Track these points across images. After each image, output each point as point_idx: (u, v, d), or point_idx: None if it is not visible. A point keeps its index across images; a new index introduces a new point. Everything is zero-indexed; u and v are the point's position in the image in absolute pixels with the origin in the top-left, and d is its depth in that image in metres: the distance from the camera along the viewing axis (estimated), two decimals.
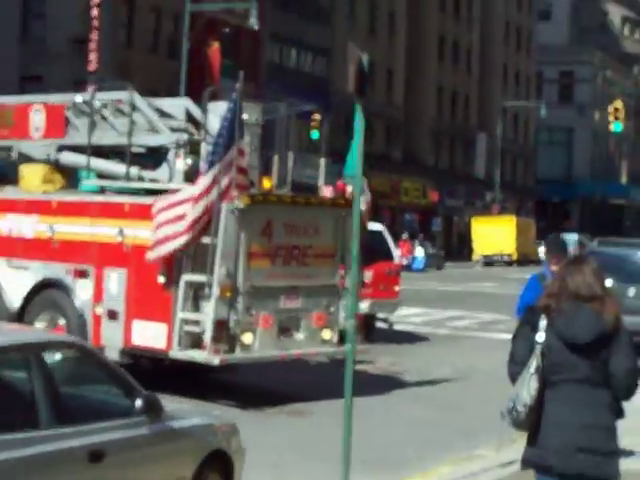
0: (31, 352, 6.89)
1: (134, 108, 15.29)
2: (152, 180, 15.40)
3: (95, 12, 41.46)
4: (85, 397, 7.68)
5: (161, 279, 13.86)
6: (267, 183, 16.10)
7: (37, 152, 16.37)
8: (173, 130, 15.14)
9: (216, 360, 13.74)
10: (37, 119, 16.33)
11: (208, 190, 13.21)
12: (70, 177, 16.68)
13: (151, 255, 13.85)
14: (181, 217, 13.51)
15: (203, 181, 13.38)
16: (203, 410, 9.38)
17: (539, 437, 5.95)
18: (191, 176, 14.70)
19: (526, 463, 6.13)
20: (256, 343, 13.97)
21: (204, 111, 15.12)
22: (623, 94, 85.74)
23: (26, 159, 16.54)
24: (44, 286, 15.44)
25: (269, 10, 53.02)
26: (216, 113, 14.46)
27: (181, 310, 13.70)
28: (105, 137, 16.00)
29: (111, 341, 14.38)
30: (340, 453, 9.24)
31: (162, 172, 15.29)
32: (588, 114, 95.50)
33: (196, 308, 14.00)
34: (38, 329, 13.57)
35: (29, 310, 15.32)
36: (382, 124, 66.40)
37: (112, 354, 13.75)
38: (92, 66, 39.98)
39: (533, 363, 5.88)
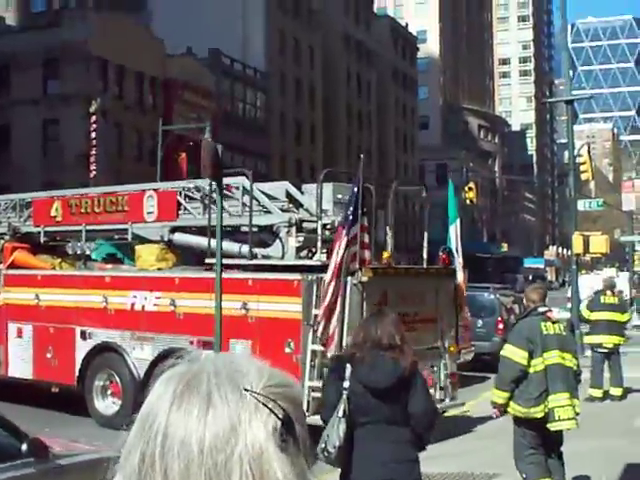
0: None
1: (245, 192, 13.13)
2: (264, 257, 13.01)
3: (94, 135, 42.18)
4: None
5: (288, 350, 11.44)
6: (386, 256, 13.56)
7: (151, 233, 14.31)
8: (283, 210, 12.98)
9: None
10: (150, 204, 14.34)
11: (339, 265, 10.93)
12: (181, 255, 14.53)
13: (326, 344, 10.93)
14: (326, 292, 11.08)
15: (336, 257, 10.97)
16: (99, 447, 7.48)
17: (352, 473, 5.31)
18: (300, 252, 12.73)
19: None
20: None
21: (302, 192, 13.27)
22: (482, 179, 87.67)
23: (140, 240, 14.60)
24: (167, 356, 12.49)
25: (221, 127, 54.23)
26: (311, 193, 12.81)
27: (309, 379, 11.37)
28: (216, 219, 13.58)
29: None
30: None
31: (275, 249, 12.98)
32: (458, 194, 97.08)
33: (320, 376, 11.51)
34: None
35: (153, 378, 12.94)
36: None
37: None
38: (92, 174, 40.53)
39: (341, 408, 5.29)
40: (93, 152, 41.87)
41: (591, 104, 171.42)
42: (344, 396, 5.29)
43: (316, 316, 11.01)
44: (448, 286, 12.98)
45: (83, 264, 15.26)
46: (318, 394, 11.26)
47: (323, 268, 11.29)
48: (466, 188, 43.14)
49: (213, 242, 12.79)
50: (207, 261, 12.87)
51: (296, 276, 11.54)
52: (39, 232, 16.00)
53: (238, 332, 11.87)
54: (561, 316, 21.66)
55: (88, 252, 15.27)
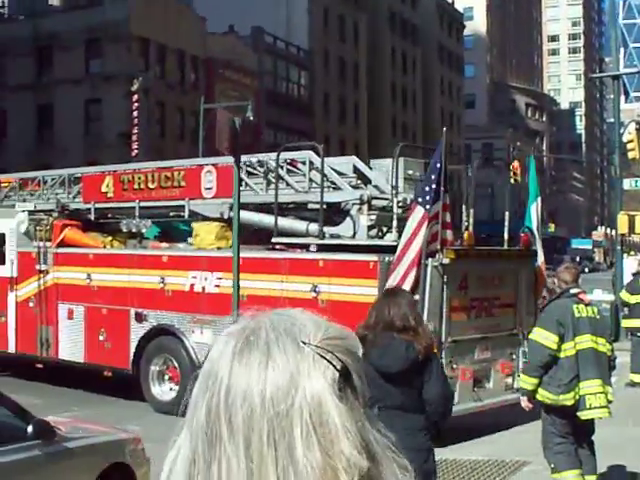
0: None
1: (312, 167, 12.48)
2: (333, 236, 12.09)
3: (135, 114, 42.11)
4: None
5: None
6: (468, 237, 12.53)
7: (209, 210, 13.62)
8: (353, 187, 12.21)
9: None
10: (208, 179, 13.62)
11: (420, 247, 10.18)
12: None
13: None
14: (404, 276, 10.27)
15: (412, 237, 10.23)
16: (107, 428, 7.64)
17: None
18: (372, 231, 11.97)
19: None
20: (456, 397, 10.23)
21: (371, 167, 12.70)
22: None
23: (197, 217, 13.90)
24: None
25: (263, 105, 53.92)
26: (379, 169, 12.39)
27: None
28: (281, 195, 12.82)
29: None
30: None
31: (345, 228, 12.10)
32: (504, 173, 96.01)
33: None
34: None
35: None
36: None
37: None
38: (134, 152, 40.51)
39: None
40: (135, 131, 41.82)
41: None
42: None
43: None
44: (529, 269, 12.28)
45: (138, 242, 14.73)
46: None
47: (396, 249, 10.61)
48: (511, 167, 42.25)
49: (279, 220, 12.37)
50: (274, 240, 12.26)
51: (373, 257, 10.82)
52: (89, 209, 15.54)
53: None
54: (603, 298, 21.04)
55: (144, 230, 14.74)
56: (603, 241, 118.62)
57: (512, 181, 41.73)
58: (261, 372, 1.06)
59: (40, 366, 14.89)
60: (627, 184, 28.24)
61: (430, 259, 10.33)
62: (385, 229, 12.04)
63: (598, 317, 7.52)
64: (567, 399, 7.20)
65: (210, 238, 13.28)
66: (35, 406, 11.23)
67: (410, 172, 12.14)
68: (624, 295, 15.88)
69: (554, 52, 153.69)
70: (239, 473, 1.02)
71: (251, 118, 42.98)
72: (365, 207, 11.82)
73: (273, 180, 12.89)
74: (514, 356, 11.74)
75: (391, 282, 9.97)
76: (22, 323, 15.24)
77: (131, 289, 13.49)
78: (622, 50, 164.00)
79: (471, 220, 13.00)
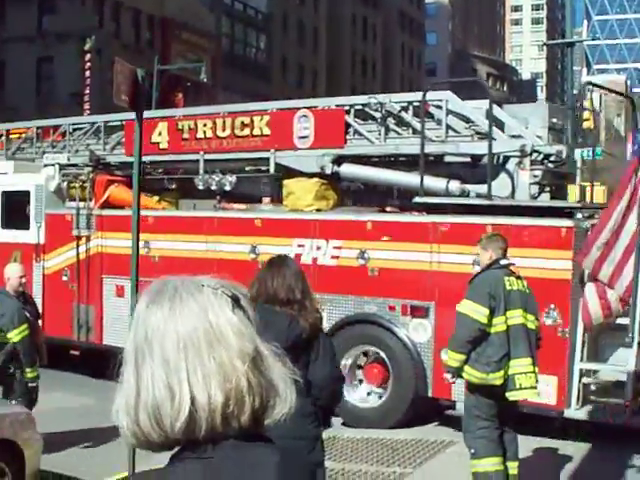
0: None
1: (449, 111, 10.36)
2: (480, 196, 10.07)
3: (88, 73, 41.70)
4: None
5: (549, 320, 8.69)
6: None
7: (304, 164, 11.31)
8: (512, 137, 10.08)
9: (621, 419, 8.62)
10: (304, 126, 11.25)
11: (628, 210, 8.52)
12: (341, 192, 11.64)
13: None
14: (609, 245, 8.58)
15: (623, 198, 8.54)
16: None
17: None
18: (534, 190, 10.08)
19: None
20: None
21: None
22: None
23: (286, 172, 11.60)
24: (351, 324, 10.18)
25: (221, 68, 53.68)
26: (514, 116, 10.33)
27: (580, 359, 8.83)
28: (404, 145, 10.77)
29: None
30: None
31: (500, 186, 9.96)
32: None
33: (595, 355, 9.06)
34: None
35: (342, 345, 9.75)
36: None
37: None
38: (86, 113, 40.12)
39: None
40: (87, 91, 41.45)
41: (605, 55, 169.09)
42: None
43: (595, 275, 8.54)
44: None
45: (218, 203, 12.10)
46: (591, 380, 9.01)
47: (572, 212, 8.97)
48: None
49: (405, 176, 10.50)
50: (417, 200, 10.05)
51: (565, 222, 8.96)
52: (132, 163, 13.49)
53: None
54: None
55: (228, 187, 12.13)
56: None
57: None
58: (171, 308, 1.43)
59: (76, 353, 13.03)
60: (579, 154, 28.67)
61: None
62: (548, 187, 10.21)
63: (527, 291, 6.99)
64: (496, 378, 6.69)
65: (308, 198, 11.06)
66: (89, 407, 10.39)
67: (555, 120, 10.42)
68: None
69: (517, 22, 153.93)
70: (160, 374, 1.41)
71: (205, 80, 43.22)
72: (527, 160, 9.91)
73: (393, 127, 10.89)
74: None
75: (606, 271, 8.43)
76: (51, 300, 12.92)
77: (208, 260, 11.08)
78: (585, 22, 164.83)
79: None
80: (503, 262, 6.98)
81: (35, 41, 46.12)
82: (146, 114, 14.83)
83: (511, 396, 6.79)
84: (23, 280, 8.63)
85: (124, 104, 7.92)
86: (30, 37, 46.03)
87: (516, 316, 6.78)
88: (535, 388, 6.87)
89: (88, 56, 41.62)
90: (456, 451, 8.71)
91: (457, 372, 6.94)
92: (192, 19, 52.90)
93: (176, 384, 1.39)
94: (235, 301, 1.46)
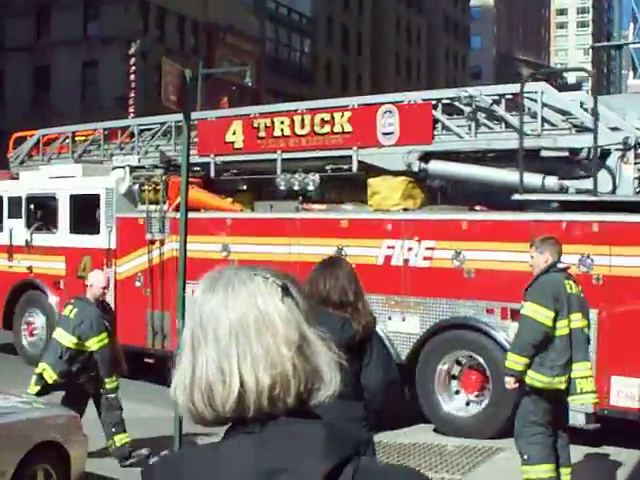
0: None
1: (544, 104, 9.86)
2: (579, 192, 9.68)
3: (133, 77, 41.69)
4: None
5: None
6: None
7: (389, 162, 10.88)
8: (612, 129, 9.51)
9: None
10: (388, 122, 10.86)
11: None
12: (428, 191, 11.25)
13: None
14: None
15: None
16: (37, 405, 7.22)
17: None
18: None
19: None
20: None
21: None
22: None
23: (369, 171, 11.21)
24: (444, 329, 9.76)
25: (265, 72, 53.52)
26: (610, 107, 9.72)
27: None
28: (496, 140, 10.28)
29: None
30: None
31: (603, 181, 9.45)
32: None
33: None
34: None
35: (422, 358, 9.80)
36: None
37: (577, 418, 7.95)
38: (130, 116, 40.07)
39: None
40: (132, 95, 41.42)
41: None
42: None
43: None
44: None
45: (300, 204, 11.69)
46: None
47: None
48: None
49: (498, 172, 10.05)
50: (515, 197, 9.62)
51: None
52: (206, 163, 12.80)
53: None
54: None
55: (311, 187, 11.80)
56: None
57: None
58: (224, 293, 1.52)
59: (150, 361, 12.52)
60: None
61: None
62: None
63: (582, 295, 6.94)
64: (561, 382, 6.65)
65: (395, 197, 10.64)
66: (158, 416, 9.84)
67: None
68: None
69: (562, 26, 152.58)
70: (214, 357, 1.48)
71: (249, 84, 43.00)
72: (631, 154, 9.39)
73: (484, 121, 10.43)
74: None
75: None
76: (124, 307, 12.46)
77: (290, 263, 10.60)
78: (632, 25, 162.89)
79: None
80: (560, 265, 6.92)
81: (80, 45, 46.32)
82: (221, 112, 14.24)
83: (574, 400, 6.77)
84: (106, 291, 8.54)
85: (172, 104, 7.52)
86: (75, 42, 46.23)
87: (577, 319, 6.76)
88: (595, 392, 6.85)
89: (133, 60, 41.57)
90: (506, 457, 8.64)
91: (520, 376, 6.79)
92: (236, 23, 52.84)
93: (227, 367, 1.47)
94: (285, 290, 1.52)
